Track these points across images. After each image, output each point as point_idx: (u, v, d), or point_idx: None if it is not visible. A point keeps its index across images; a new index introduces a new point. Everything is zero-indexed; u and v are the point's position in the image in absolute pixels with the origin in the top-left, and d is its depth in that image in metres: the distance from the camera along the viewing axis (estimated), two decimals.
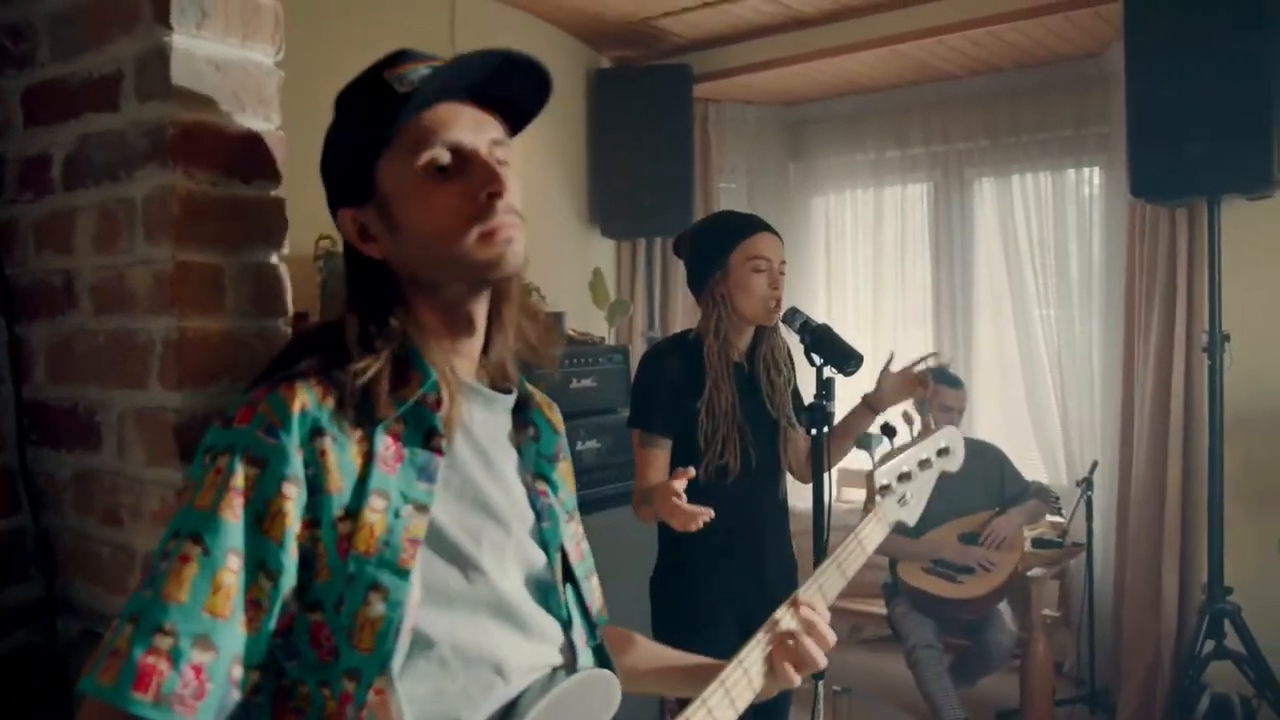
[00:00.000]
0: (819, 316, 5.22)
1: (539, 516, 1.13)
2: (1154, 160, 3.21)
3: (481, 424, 1.11)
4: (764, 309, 2.39)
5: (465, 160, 1.06)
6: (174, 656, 0.90)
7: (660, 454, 2.38)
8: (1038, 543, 4.05)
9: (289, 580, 0.96)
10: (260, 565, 0.95)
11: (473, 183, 1.05)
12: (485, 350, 1.14)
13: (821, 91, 4.87)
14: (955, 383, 4.12)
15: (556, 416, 1.25)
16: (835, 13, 4.09)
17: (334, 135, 1.13)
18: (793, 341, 2.45)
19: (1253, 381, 3.35)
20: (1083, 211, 4.42)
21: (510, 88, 1.10)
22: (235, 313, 1.30)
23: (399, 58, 1.09)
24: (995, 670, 4.00)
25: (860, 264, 5.09)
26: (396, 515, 0.99)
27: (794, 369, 2.55)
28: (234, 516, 0.94)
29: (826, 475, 2.34)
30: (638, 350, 4.41)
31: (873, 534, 1.42)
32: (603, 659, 1.17)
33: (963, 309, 4.77)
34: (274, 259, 1.34)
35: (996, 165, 4.64)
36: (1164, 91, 3.16)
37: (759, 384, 2.45)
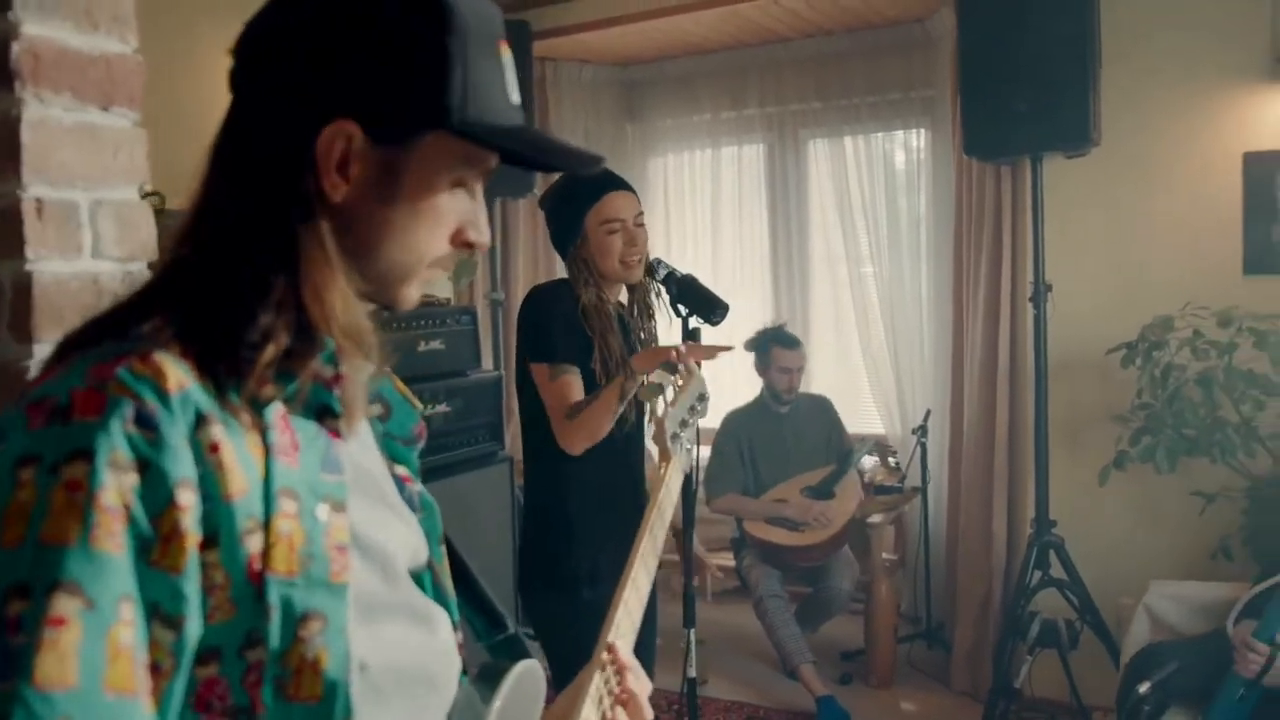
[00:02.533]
0: None
1: (411, 507, 0.95)
2: (983, 120, 3.36)
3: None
4: (625, 269, 2.37)
5: (469, 192, 0.88)
6: None
7: (575, 379, 2.28)
8: (877, 490, 4.23)
9: (195, 624, 0.70)
10: (154, 611, 0.68)
11: (466, 221, 0.88)
12: None
13: (658, 52, 4.87)
14: (792, 343, 4.23)
15: (406, 390, 1.03)
16: None
17: (378, 31, 0.81)
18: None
19: (1073, 328, 3.58)
20: (911, 171, 4.60)
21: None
22: (95, 255, 1.17)
23: (497, 20, 0.86)
24: (838, 614, 4.17)
25: (699, 224, 5.15)
26: (313, 518, 0.76)
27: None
28: (116, 548, 0.66)
29: (697, 431, 2.34)
30: (483, 312, 4.32)
31: (675, 480, 1.44)
32: (521, 648, 1.05)
33: (799, 267, 4.90)
34: (134, 195, 1.22)
35: (829, 126, 4.77)
36: (991, 54, 3.31)
37: (634, 338, 2.43)
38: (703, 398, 1.73)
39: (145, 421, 0.69)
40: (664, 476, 1.41)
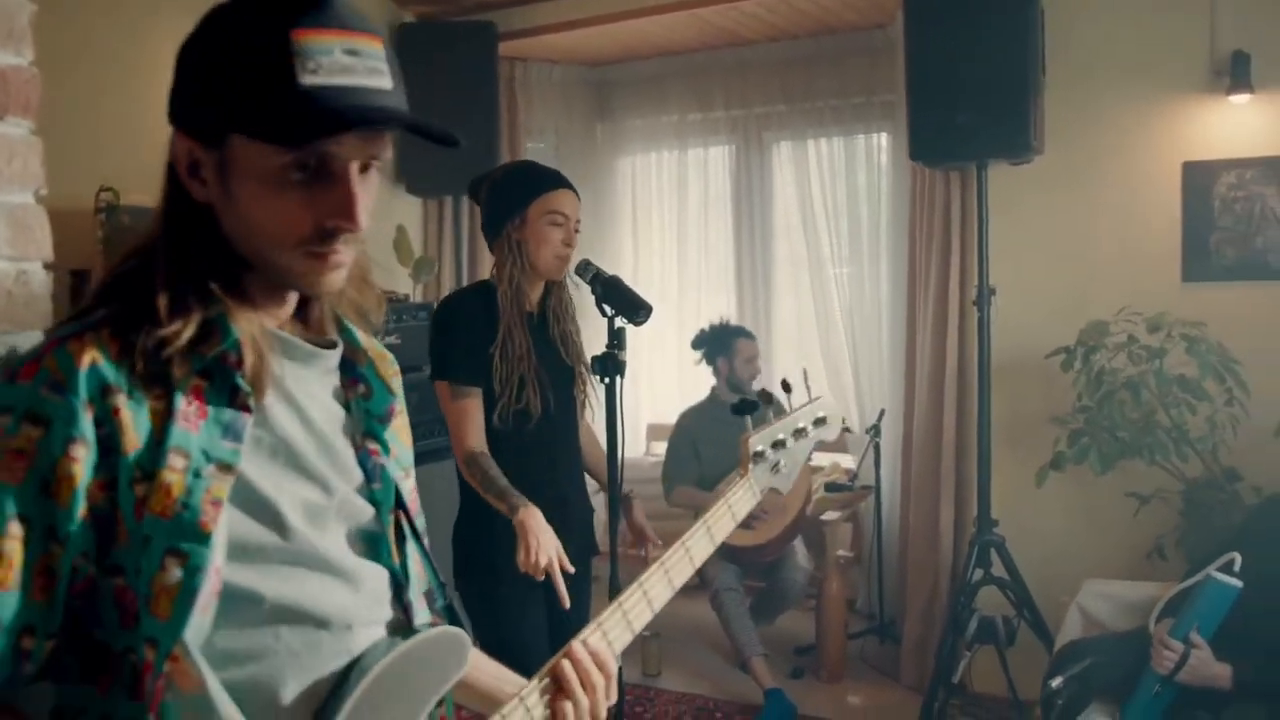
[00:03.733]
0: (625, 274, 5.31)
1: (368, 477, 1.08)
2: (929, 127, 3.43)
3: (296, 379, 1.04)
4: (556, 263, 2.45)
5: (328, 174, 0.95)
6: None
7: (473, 403, 2.39)
8: (829, 487, 4.30)
9: (78, 546, 0.91)
10: (49, 532, 0.90)
11: (323, 203, 0.95)
12: (302, 308, 1.07)
13: (626, 53, 4.94)
14: (751, 334, 4.31)
15: (391, 370, 1.18)
16: None
17: (201, 50, 0.96)
18: (584, 293, 2.49)
19: (1016, 332, 3.65)
20: (872, 175, 4.68)
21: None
22: None
23: (314, 9, 0.93)
24: (792, 606, 4.24)
25: (666, 224, 5.23)
26: (197, 475, 0.93)
27: (577, 323, 2.61)
28: (14, 480, 0.89)
29: (620, 428, 2.39)
30: None
31: (743, 500, 1.42)
32: (454, 618, 1.14)
33: (763, 267, 4.98)
34: (30, 199, 1.29)
35: (793, 129, 4.84)
36: (938, 62, 3.38)
37: (551, 334, 2.50)
38: (820, 421, 1.68)
39: (56, 387, 0.90)
40: (728, 494, 1.40)
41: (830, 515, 4.16)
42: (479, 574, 2.44)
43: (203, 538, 0.91)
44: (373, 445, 1.10)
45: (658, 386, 5.16)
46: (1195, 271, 3.48)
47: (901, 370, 4.21)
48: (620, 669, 2.41)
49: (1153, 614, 2.81)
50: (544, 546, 2.22)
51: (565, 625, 2.53)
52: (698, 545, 1.33)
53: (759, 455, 1.50)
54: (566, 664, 1.13)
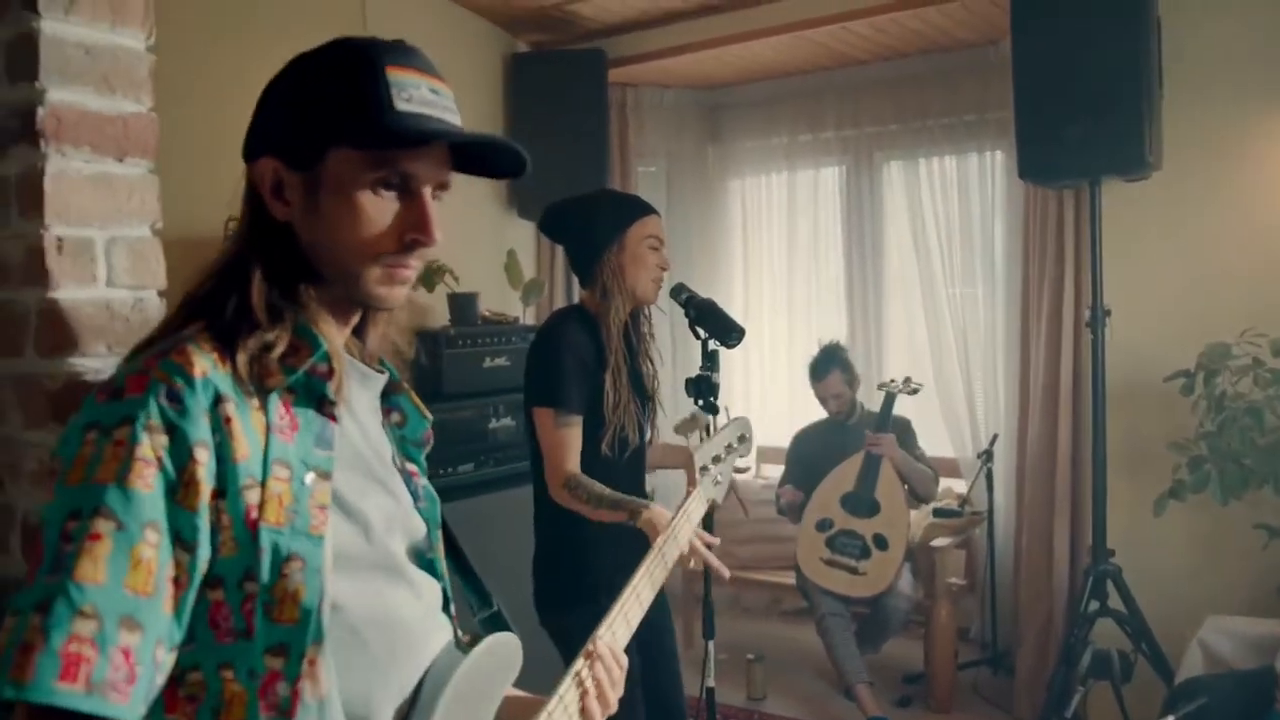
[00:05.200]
0: (737, 296, 5.33)
1: (415, 496, 1.15)
2: (1038, 144, 3.34)
3: (357, 398, 1.10)
4: (654, 287, 2.46)
5: (410, 194, 1.05)
6: (99, 641, 0.84)
7: (577, 432, 2.33)
8: (939, 512, 4.22)
9: (205, 551, 0.92)
10: (177, 538, 0.91)
11: (405, 219, 1.04)
12: (358, 331, 1.14)
13: (736, 76, 4.97)
14: (818, 374, 4.28)
15: (419, 402, 1.24)
16: None
17: (294, 84, 1.07)
18: (677, 315, 2.52)
19: (1132, 354, 3.52)
20: (985, 193, 4.57)
21: (485, 157, 1.12)
22: (109, 284, 1.36)
23: (402, 53, 1.06)
24: (896, 632, 4.16)
25: (776, 245, 5.22)
26: (302, 483, 0.97)
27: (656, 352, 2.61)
28: (146, 487, 0.89)
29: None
30: None
31: (697, 508, 1.59)
32: (503, 624, 1.21)
33: (874, 288, 4.92)
34: (147, 232, 1.40)
35: (905, 149, 4.78)
36: (1047, 76, 3.30)
37: (637, 361, 2.52)
38: (743, 438, 1.83)
39: (174, 397, 0.92)
40: (684, 503, 1.55)
41: (940, 541, 4.08)
42: (573, 603, 2.41)
43: (316, 541, 0.96)
44: (412, 468, 1.18)
45: (770, 409, 5.14)
46: None
47: (1016, 393, 4.10)
48: (713, 689, 2.44)
49: (1279, 653, 2.68)
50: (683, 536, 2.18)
51: (657, 643, 2.56)
52: (669, 550, 1.47)
53: (704, 470, 1.64)
54: (592, 664, 1.22)
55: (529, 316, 4.30)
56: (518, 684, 1.20)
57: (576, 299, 4.63)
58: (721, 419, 2.18)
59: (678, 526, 1.49)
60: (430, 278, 3.85)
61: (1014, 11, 3.40)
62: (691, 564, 1.84)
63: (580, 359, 2.38)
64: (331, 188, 1.03)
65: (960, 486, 4.47)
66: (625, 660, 1.26)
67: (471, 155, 1.10)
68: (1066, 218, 3.72)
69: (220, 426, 0.94)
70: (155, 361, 0.94)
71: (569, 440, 2.32)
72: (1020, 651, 3.94)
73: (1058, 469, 3.77)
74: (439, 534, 1.18)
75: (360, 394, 1.11)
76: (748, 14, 4.23)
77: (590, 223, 2.50)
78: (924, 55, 4.58)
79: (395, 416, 1.19)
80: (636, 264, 2.44)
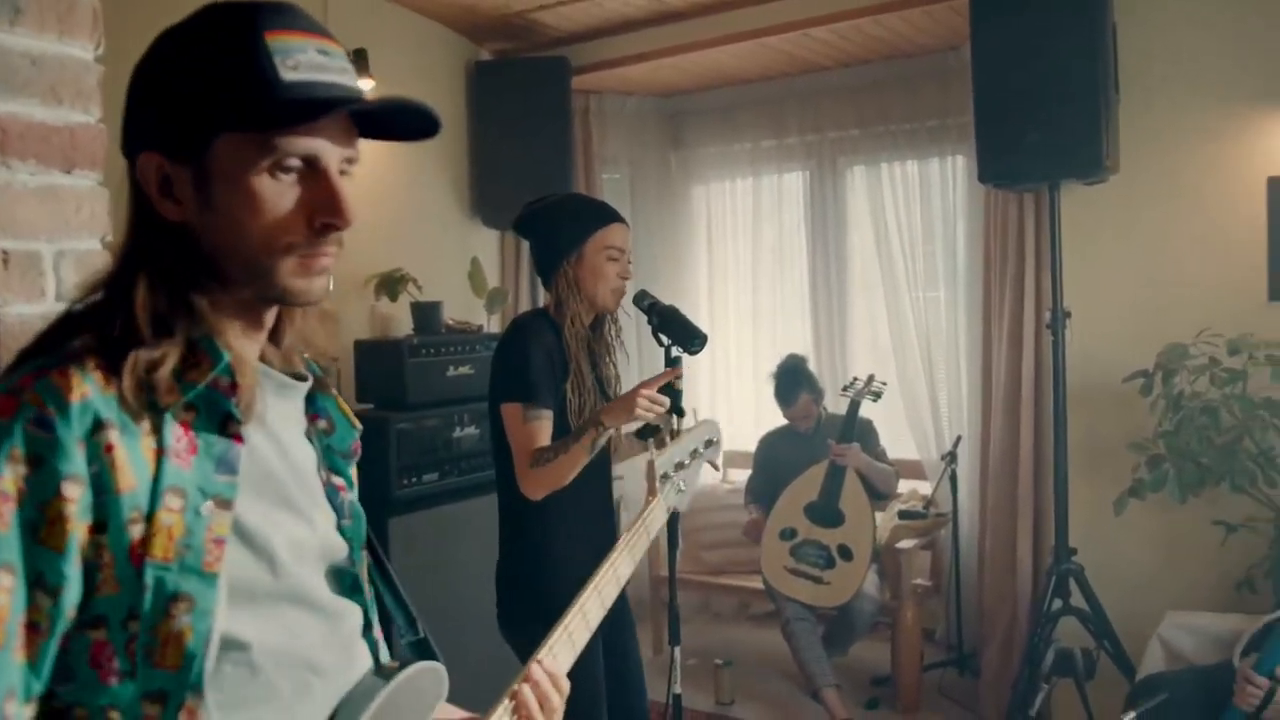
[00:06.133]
0: (702, 302, 5.33)
1: (339, 513, 1.06)
2: (998, 148, 3.38)
3: (274, 411, 1.00)
4: (614, 297, 2.47)
5: (315, 173, 0.94)
6: None
7: (546, 426, 2.31)
8: (904, 514, 4.25)
9: (72, 595, 0.84)
10: (38, 581, 0.82)
11: (312, 202, 0.94)
12: (274, 335, 1.04)
13: (698, 83, 4.99)
14: (786, 400, 4.28)
15: (348, 409, 1.15)
16: (705, 6, 4.21)
17: (165, 66, 0.94)
18: (641, 321, 2.52)
19: (1092, 355, 3.57)
20: (947, 198, 4.61)
21: (393, 120, 1.00)
22: (58, 299, 1.34)
23: (281, 13, 0.94)
24: (863, 635, 4.19)
25: (741, 251, 5.24)
26: (197, 513, 0.88)
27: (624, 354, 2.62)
28: (2, 526, 0.81)
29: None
30: None
31: (656, 518, 1.52)
32: (428, 651, 1.14)
33: (838, 292, 4.95)
34: (97, 245, 1.38)
35: (867, 154, 4.82)
36: (1006, 81, 3.33)
37: (599, 367, 2.52)
38: (710, 443, 1.76)
39: (44, 424, 0.83)
40: (643, 514, 1.49)
41: (905, 543, 4.10)
42: (536, 616, 2.40)
43: (209, 579, 0.87)
44: (338, 480, 1.08)
45: (735, 413, 5.16)
46: None
47: (978, 395, 4.14)
48: (679, 695, 2.44)
49: (1237, 648, 2.71)
50: (649, 393, 2.19)
51: (622, 650, 2.56)
52: (622, 565, 1.41)
53: (665, 477, 1.56)
54: (526, 688, 1.16)
55: (493, 325, 4.29)
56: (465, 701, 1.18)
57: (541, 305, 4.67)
58: (689, 421, 2.16)
59: (634, 540, 1.45)
60: (394, 286, 3.83)
61: (973, 18, 3.43)
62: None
63: (548, 357, 2.38)
64: (223, 179, 0.92)
65: (925, 488, 4.51)
66: (566, 685, 1.21)
67: (377, 120, 0.99)
68: (1027, 221, 3.76)
69: (99, 456, 0.85)
70: (31, 381, 0.85)
71: (538, 434, 2.30)
72: (985, 651, 3.97)
73: (1020, 470, 3.81)
74: (362, 554, 1.09)
75: (277, 405, 1.01)
76: (709, 21, 4.25)
77: (552, 231, 2.50)
78: (885, 61, 4.61)
79: (322, 423, 1.08)
80: (594, 276, 2.44)
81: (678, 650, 2.47)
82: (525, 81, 4.43)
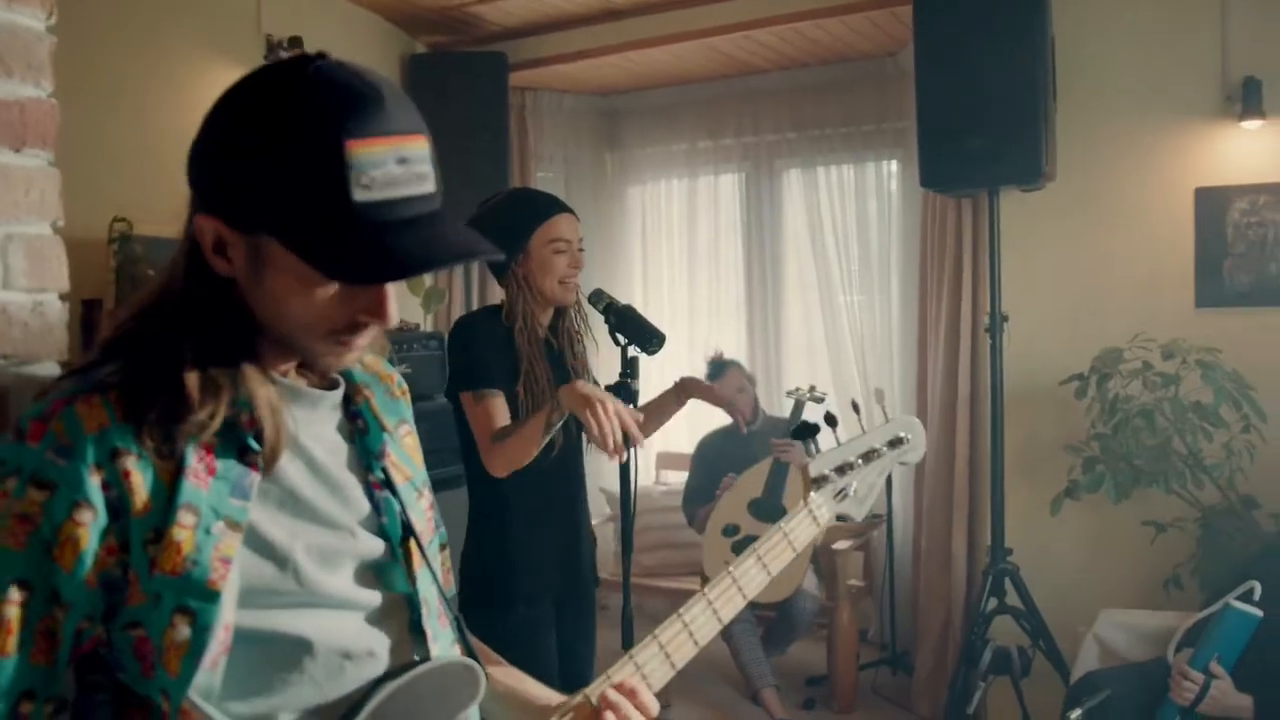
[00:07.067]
0: (636, 303, 5.31)
1: (376, 510, 1.08)
2: (939, 154, 3.42)
3: (305, 424, 1.02)
4: (563, 289, 2.43)
5: None
6: None
7: (500, 401, 2.31)
8: (840, 516, 4.26)
9: (82, 610, 0.91)
10: (53, 595, 0.90)
11: (357, 300, 0.95)
12: None
13: (637, 82, 4.96)
14: (714, 374, 4.27)
15: (400, 391, 1.20)
16: (647, 5, 4.19)
17: (234, 136, 0.93)
18: (597, 322, 2.49)
19: (1029, 359, 3.63)
20: (882, 202, 4.67)
21: None
22: (5, 287, 1.24)
23: (368, 114, 0.90)
24: (804, 634, 4.20)
25: (676, 252, 5.23)
26: (207, 532, 0.92)
27: (595, 342, 2.60)
28: (16, 544, 0.88)
29: (634, 457, 2.38)
30: None
31: (801, 528, 1.35)
32: (462, 641, 1.14)
33: (773, 295, 4.97)
34: (47, 230, 1.29)
35: (804, 157, 4.86)
36: (949, 89, 3.38)
37: (564, 359, 2.49)
38: (898, 441, 1.52)
39: (61, 452, 0.89)
40: (783, 521, 1.33)
41: (841, 544, 4.13)
42: (488, 603, 2.40)
43: (211, 596, 0.91)
44: (374, 478, 1.09)
45: None
46: (1209, 297, 3.46)
47: (913, 397, 4.19)
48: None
49: (1171, 644, 2.78)
50: (614, 410, 2.05)
51: (573, 653, 2.52)
52: (748, 577, 1.24)
53: (821, 480, 1.40)
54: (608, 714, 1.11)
55: (430, 324, 4.20)
56: None
57: (476, 305, 4.60)
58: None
59: (767, 550, 1.27)
60: None
61: (916, 27, 3.47)
62: None
63: (493, 347, 2.37)
64: (275, 269, 0.93)
65: None
66: (651, 704, 1.12)
67: None
68: (965, 226, 3.82)
69: (118, 481, 0.90)
70: (60, 407, 0.91)
71: (493, 409, 2.30)
72: (919, 650, 4.01)
73: (956, 471, 3.86)
74: (402, 549, 1.09)
75: (309, 417, 1.03)
76: (650, 20, 4.23)
77: (498, 229, 2.47)
78: (823, 66, 4.65)
79: (359, 423, 1.10)
80: (542, 269, 2.42)
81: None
82: (461, 76, 4.35)
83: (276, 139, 0.89)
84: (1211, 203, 3.45)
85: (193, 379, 0.93)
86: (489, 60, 4.39)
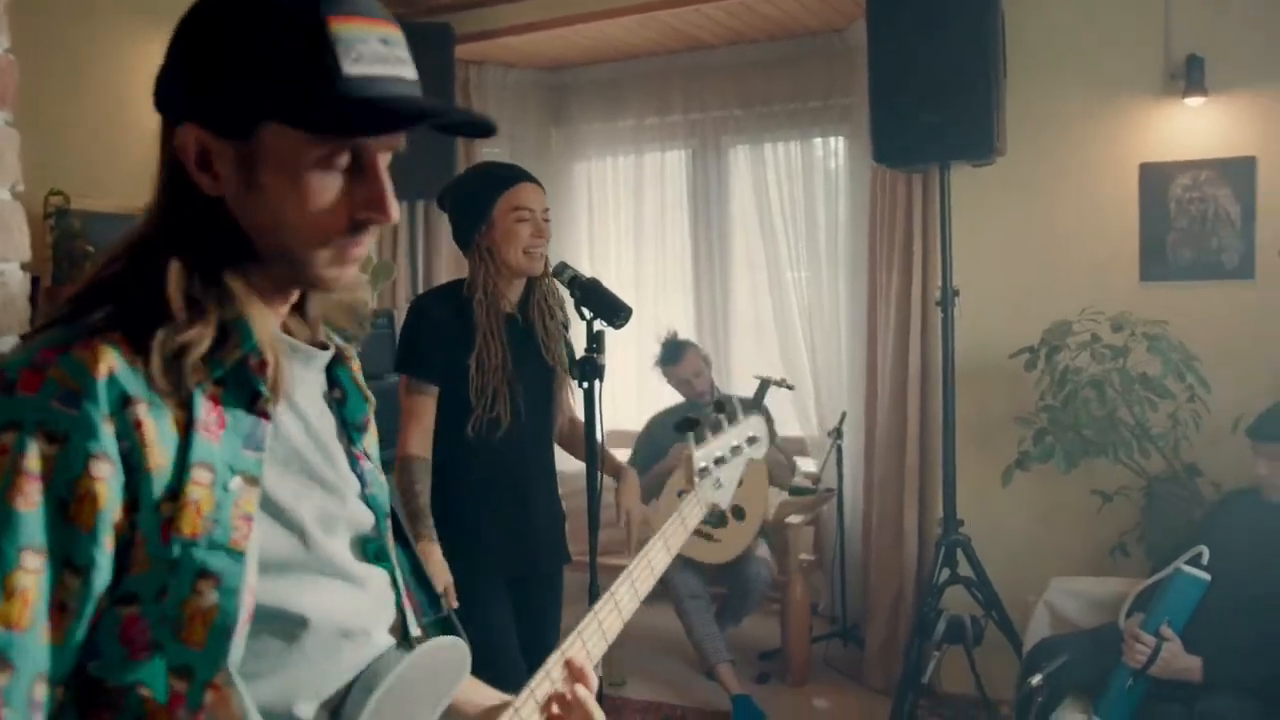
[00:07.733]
0: None
1: (362, 482, 1.05)
2: (892, 129, 3.44)
3: (300, 384, 0.99)
4: (528, 259, 2.42)
5: (361, 166, 0.93)
6: None
7: (428, 401, 2.41)
8: (793, 490, 4.30)
9: (102, 576, 0.82)
10: (65, 561, 0.81)
11: (357, 196, 0.92)
12: (299, 306, 1.02)
13: (583, 57, 4.90)
14: (671, 358, 4.28)
15: (362, 382, 1.13)
16: None
17: (214, 35, 0.89)
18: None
19: (979, 333, 3.68)
20: (829, 178, 4.68)
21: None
22: None
23: None
24: (757, 605, 4.21)
25: (622, 229, 5.19)
26: (225, 489, 0.86)
27: (567, 316, 2.58)
28: (27, 505, 0.79)
29: (600, 433, 2.37)
30: (403, 315, 4.31)
31: (693, 514, 1.48)
32: (450, 629, 1.12)
33: (720, 271, 4.96)
34: (6, 195, 1.22)
35: (750, 133, 4.84)
36: (900, 64, 3.40)
37: (534, 332, 2.46)
38: (754, 439, 1.72)
39: (70, 400, 0.80)
40: (680, 507, 1.47)
41: (793, 519, 4.15)
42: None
43: (236, 556, 0.85)
44: (356, 449, 1.06)
45: (617, 393, 5.11)
46: (1153, 271, 3.54)
47: (862, 373, 4.22)
48: (601, 678, 2.40)
49: (1123, 609, 2.85)
50: (439, 579, 2.26)
51: (533, 627, 2.51)
52: (657, 556, 1.36)
53: (704, 471, 1.53)
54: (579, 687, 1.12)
55: (377, 301, 4.11)
56: None
57: (423, 281, 4.51)
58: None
59: (669, 532, 1.39)
60: None
61: (869, 2, 3.47)
62: None
63: (440, 331, 2.40)
64: (270, 166, 0.89)
65: (807, 464, 4.57)
66: (592, 680, 1.15)
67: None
68: (915, 200, 3.84)
69: (130, 432, 0.82)
70: (54, 355, 0.82)
71: (416, 411, 2.39)
72: (870, 623, 4.06)
73: (907, 445, 3.90)
74: (387, 522, 1.07)
75: (304, 377, 0.99)
76: None
77: (462, 202, 2.51)
78: (771, 41, 4.63)
79: (337, 392, 1.05)
80: (506, 239, 2.42)
81: None
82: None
83: (259, 26, 0.87)
84: (1155, 178, 3.52)
85: (176, 296, 0.87)
86: (435, 32, 4.29)
